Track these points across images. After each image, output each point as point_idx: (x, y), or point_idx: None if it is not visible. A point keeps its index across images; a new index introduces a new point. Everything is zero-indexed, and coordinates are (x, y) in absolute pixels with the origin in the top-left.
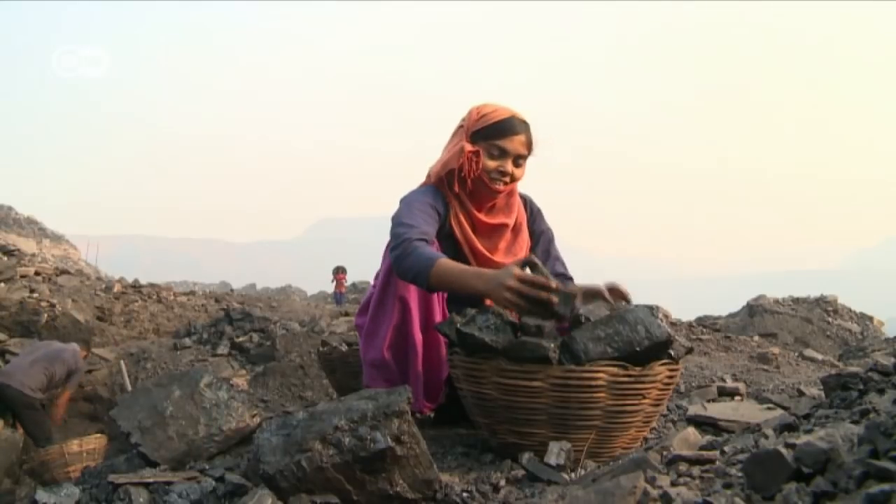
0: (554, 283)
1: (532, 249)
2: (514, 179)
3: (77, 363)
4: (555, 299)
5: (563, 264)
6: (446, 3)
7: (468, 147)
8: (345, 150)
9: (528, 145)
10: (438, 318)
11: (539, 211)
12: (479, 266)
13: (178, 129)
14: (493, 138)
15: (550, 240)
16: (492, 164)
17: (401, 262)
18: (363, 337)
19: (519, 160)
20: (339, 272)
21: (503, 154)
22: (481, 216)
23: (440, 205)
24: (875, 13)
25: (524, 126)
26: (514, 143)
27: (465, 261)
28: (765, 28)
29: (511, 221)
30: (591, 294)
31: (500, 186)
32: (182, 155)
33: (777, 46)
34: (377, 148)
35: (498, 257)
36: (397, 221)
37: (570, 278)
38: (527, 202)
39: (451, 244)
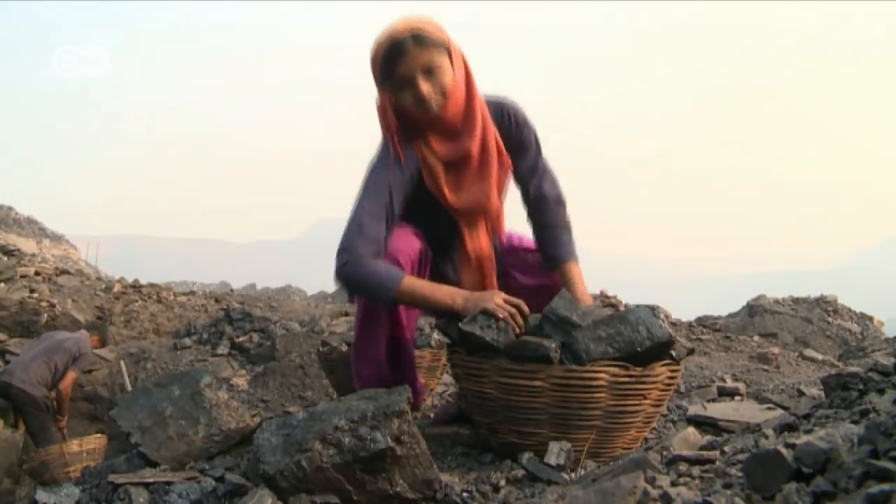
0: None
1: (516, 166)
2: (444, 91)
3: (81, 349)
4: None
5: (552, 182)
6: (447, 3)
7: (377, 102)
8: (345, 151)
9: (431, 48)
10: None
11: (517, 116)
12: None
13: (178, 129)
14: (389, 74)
15: (538, 151)
16: (406, 98)
17: (349, 273)
18: (354, 355)
19: (429, 71)
20: None
21: (406, 83)
22: (445, 150)
23: (406, 167)
24: (877, 13)
25: (410, 40)
26: (408, 65)
27: (446, 215)
28: (765, 28)
29: (473, 146)
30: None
31: (434, 107)
32: (182, 155)
33: (776, 46)
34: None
35: (465, 195)
36: (351, 219)
37: (564, 203)
38: (501, 112)
39: (427, 206)
